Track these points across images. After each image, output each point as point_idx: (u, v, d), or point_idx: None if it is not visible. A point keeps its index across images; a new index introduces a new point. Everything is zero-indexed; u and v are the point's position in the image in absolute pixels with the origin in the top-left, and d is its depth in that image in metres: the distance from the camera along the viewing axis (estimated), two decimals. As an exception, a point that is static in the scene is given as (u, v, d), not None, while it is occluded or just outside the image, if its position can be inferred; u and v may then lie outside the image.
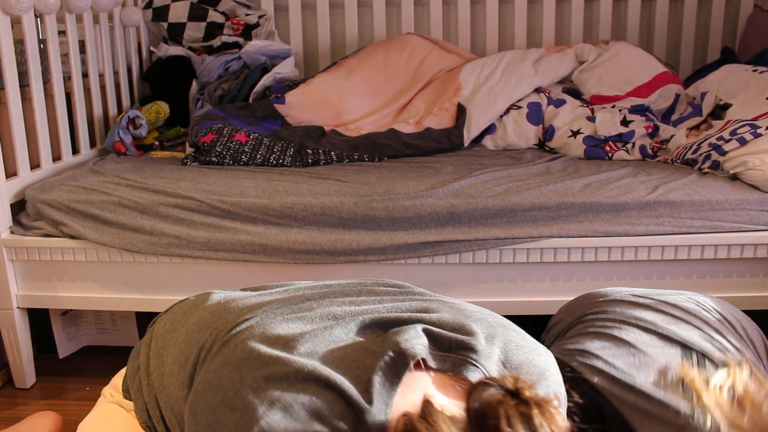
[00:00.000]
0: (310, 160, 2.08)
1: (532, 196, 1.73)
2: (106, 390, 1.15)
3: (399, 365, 0.77)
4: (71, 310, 2.06)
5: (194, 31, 2.66)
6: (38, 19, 2.08)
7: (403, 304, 0.93)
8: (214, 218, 1.76)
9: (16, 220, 1.88)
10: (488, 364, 0.81)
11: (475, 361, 0.81)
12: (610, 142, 2.13)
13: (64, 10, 2.10)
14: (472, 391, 0.68)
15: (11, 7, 1.80)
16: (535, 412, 0.65)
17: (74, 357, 2.11)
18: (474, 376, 0.80)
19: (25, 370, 1.91)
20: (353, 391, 0.75)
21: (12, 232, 1.85)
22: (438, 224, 1.72)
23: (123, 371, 1.16)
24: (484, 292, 1.78)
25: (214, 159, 2.07)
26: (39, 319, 2.02)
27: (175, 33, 2.68)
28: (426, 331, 0.83)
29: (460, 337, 0.83)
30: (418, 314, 0.87)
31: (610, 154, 2.10)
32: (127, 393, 1.10)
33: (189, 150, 2.19)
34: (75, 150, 2.21)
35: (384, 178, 1.86)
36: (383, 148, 2.16)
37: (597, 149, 2.12)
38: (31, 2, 1.87)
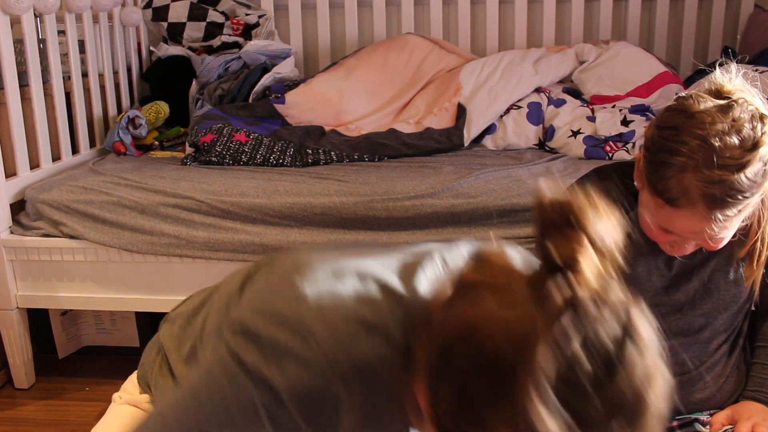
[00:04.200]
0: (310, 160, 2.08)
1: (532, 196, 1.73)
2: (116, 395, 1.14)
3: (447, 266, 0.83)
4: (71, 310, 2.06)
5: (194, 31, 2.66)
6: (38, 18, 2.08)
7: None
8: (214, 218, 1.76)
9: (15, 220, 1.88)
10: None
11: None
12: (611, 142, 2.12)
13: (64, 9, 2.10)
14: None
15: (11, 7, 1.80)
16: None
17: (74, 357, 2.11)
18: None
19: (25, 370, 1.90)
20: (397, 284, 0.79)
21: (12, 232, 1.85)
22: (438, 224, 1.72)
23: (132, 376, 1.15)
24: (484, 292, 1.77)
25: (214, 159, 2.07)
26: (39, 319, 2.01)
27: (175, 33, 2.67)
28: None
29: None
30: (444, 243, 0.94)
31: (610, 154, 2.10)
32: (144, 385, 1.09)
33: (189, 150, 2.18)
34: (75, 150, 2.21)
35: (384, 178, 1.86)
36: (383, 148, 2.16)
37: (597, 149, 2.12)
38: (30, 2, 1.87)
